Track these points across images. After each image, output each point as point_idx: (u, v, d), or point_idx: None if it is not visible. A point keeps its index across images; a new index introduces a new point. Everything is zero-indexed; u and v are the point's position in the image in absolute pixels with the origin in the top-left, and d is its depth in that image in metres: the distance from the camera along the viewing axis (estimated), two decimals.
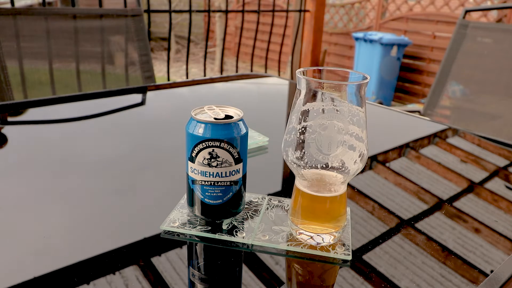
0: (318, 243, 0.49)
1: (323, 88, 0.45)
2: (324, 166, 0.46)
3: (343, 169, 0.46)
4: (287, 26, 2.96)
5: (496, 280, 0.47)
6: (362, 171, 0.75)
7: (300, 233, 0.50)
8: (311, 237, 0.50)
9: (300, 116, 0.46)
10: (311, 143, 0.46)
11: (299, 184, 0.50)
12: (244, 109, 0.53)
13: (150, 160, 0.75)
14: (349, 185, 0.68)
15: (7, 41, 1.36)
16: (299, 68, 0.60)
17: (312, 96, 0.45)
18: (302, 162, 0.47)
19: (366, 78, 0.46)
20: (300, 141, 0.46)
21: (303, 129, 0.46)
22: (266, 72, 2.91)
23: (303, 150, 0.46)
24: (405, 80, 4.50)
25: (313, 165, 0.46)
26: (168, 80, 2.45)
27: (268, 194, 0.61)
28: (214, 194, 0.50)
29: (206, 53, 2.54)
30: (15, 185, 0.63)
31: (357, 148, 0.46)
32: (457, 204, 0.65)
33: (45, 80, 1.45)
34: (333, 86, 0.45)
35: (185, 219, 0.53)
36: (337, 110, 0.45)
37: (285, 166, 0.74)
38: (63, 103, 1.09)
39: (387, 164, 0.80)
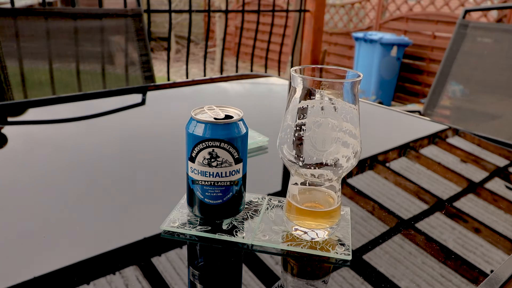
0: (312, 238, 0.50)
1: (317, 86, 0.46)
2: (318, 162, 0.46)
3: (337, 165, 0.47)
4: (287, 26, 2.96)
5: (496, 280, 0.47)
6: (362, 171, 0.75)
7: (296, 229, 0.51)
8: (306, 233, 0.50)
9: (295, 114, 0.47)
10: (305, 140, 0.46)
11: (294, 180, 0.50)
12: (244, 109, 0.53)
13: (150, 160, 0.75)
14: (349, 185, 0.69)
15: (7, 41, 1.36)
16: None
17: (306, 94, 0.46)
18: (296, 159, 0.47)
19: (359, 76, 0.46)
20: (295, 138, 0.47)
21: (297, 126, 0.47)
22: (266, 72, 2.91)
23: (298, 147, 0.47)
24: (405, 80, 4.50)
25: (308, 162, 0.47)
26: (168, 80, 2.45)
27: (268, 194, 0.61)
28: (214, 194, 0.50)
29: (206, 53, 2.53)
30: (15, 185, 0.63)
31: (351, 145, 0.47)
32: (457, 204, 0.65)
33: (45, 80, 1.45)
34: (327, 84, 0.46)
35: (185, 219, 0.53)
36: (331, 108, 0.46)
37: (285, 166, 0.74)
38: (63, 103, 1.09)
39: (387, 164, 0.80)
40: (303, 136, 0.46)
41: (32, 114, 1.01)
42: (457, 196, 0.68)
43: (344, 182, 0.69)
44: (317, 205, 0.51)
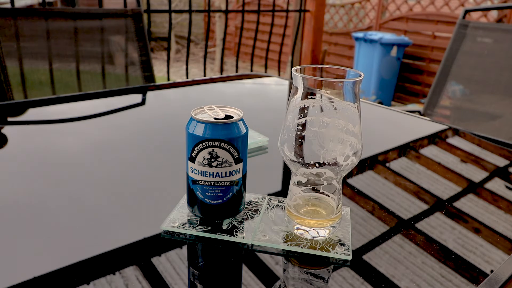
0: (313, 237, 0.50)
1: (318, 85, 0.46)
2: (318, 162, 0.46)
3: (337, 164, 0.47)
4: (287, 26, 2.96)
5: (496, 280, 0.47)
6: (362, 171, 0.75)
7: (298, 228, 0.51)
8: (307, 231, 0.50)
9: (296, 113, 0.47)
10: (306, 140, 0.46)
11: (295, 179, 0.50)
12: (244, 109, 0.53)
13: (150, 160, 0.75)
14: (349, 185, 0.69)
15: (7, 41, 1.36)
16: None
17: (307, 93, 0.46)
18: (297, 158, 0.47)
19: (360, 76, 0.47)
20: (296, 137, 0.47)
21: (298, 126, 0.47)
22: (266, 72, 2.91)
23: (299, 147, 0.47)
24: (405, 80, 4.50)
25: (308, 161, 0.47)
26: (168, 80, 2.45)
27: (268, 194, 0.61)
28: (214, 194, 0.50)
29: (206, 53, 2.53)
30: (15, 185, 0.63)
31: (351, 144, 0.47)
32: (457, 204, 0.65)
33: (45, 80, 1.45)
34: (328, 83, 0.46)
35: (185, 219, 0.53)
36: (332, 107, 0.46)
37: (285, 166, 0.74)
38: (63, 103, 1.09)
39: (387, 164, 0.80)
40: (304, 135, 0.47)
41: (32, 114, 1.01)
42: (457, 196, 0.68)
43: (344, 182, 0.69)
44: (318, 204, 0.51)
